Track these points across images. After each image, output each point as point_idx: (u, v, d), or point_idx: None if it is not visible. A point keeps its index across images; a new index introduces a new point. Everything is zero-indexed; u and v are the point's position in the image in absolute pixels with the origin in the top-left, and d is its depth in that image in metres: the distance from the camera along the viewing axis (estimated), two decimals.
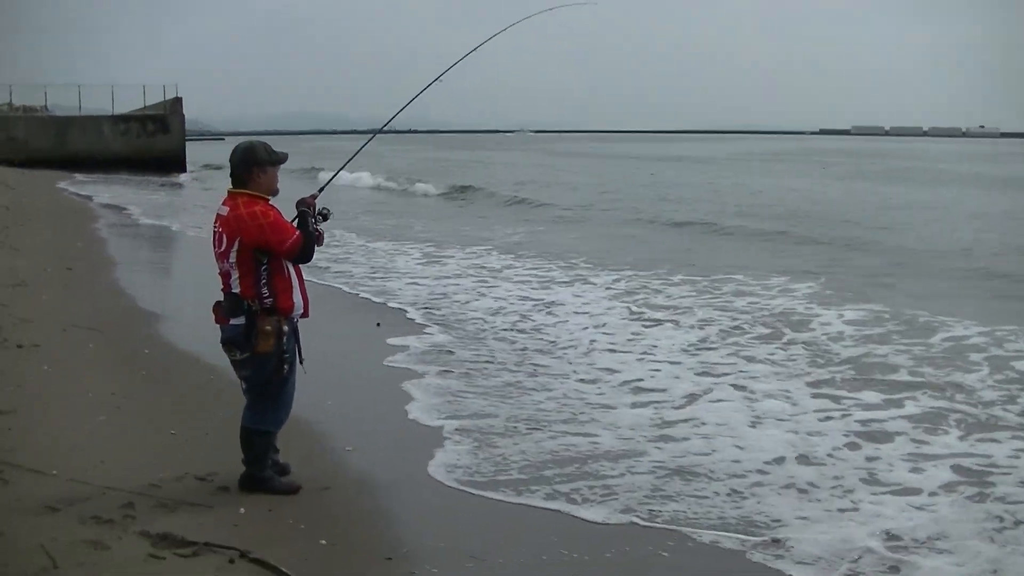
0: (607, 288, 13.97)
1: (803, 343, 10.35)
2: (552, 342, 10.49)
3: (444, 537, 5.43)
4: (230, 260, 5.55)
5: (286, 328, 5.61)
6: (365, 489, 6.14)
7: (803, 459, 6.76)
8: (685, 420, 7.69)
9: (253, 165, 5.63)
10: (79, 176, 44.37)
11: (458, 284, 14.44)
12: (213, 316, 5.66)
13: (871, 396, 8.33)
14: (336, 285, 14.16)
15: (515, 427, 7.42)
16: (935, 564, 5.13)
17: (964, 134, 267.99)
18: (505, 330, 11.12)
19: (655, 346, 10.23)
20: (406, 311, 12.28)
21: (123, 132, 53.87)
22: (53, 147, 50.91)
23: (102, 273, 15.21)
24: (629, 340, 10.53)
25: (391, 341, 10.33)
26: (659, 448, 6.98)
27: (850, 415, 7.80)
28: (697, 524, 5.64)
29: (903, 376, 8.97)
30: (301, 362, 5.84)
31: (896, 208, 29.25)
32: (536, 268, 16.14)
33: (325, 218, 5.96)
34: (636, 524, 5.64)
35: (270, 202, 5.67)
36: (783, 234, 21.07)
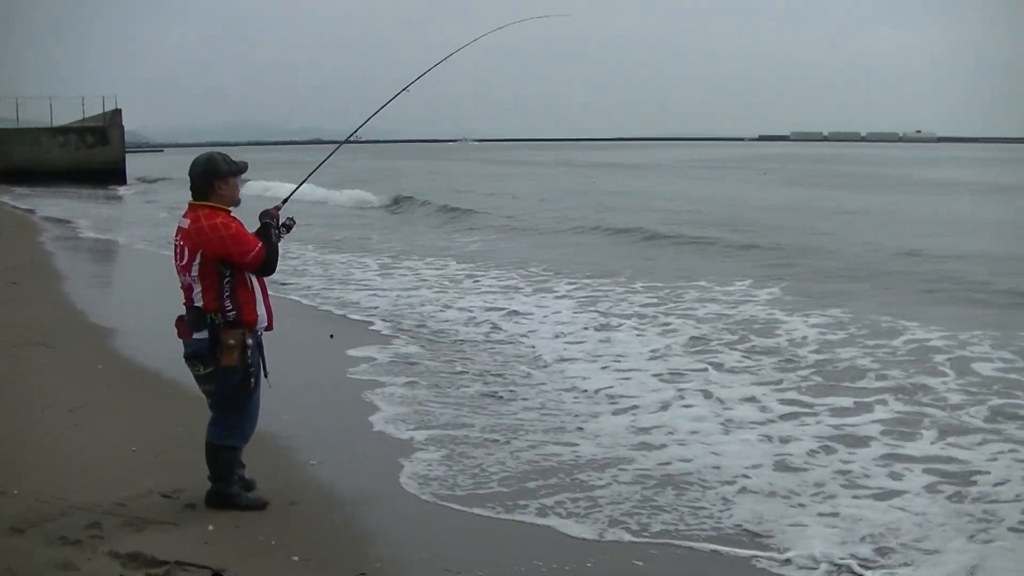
0: (568, 297, 13.99)
1: (768, 349, 10.42)
2: (519, 352, 10.45)
3: (418, 551, 5.37)
4: (192, 273, 5.48)
5: (250, 341, 5.55)
6: (333, 503, 6.07)
7: (780, 466, 6.78)
8: (658, 427, 7.69)
9: (214, 177, 5.56)
10: (19, 189, 43.66)
11: (419, 295, 14.36)
12: (176, 330, 5.59)
13: (841, 401, 8.38)
14: (294, 297, 14.00)
15: (489, 438, 7.36)
16: (924, 565, 5.18)
17: (901, 139, 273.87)
18: (471, 340, 11.06)
19: (623, 355, 10.23)
20: (370, 323, 12.16)
21: (62, 144, 53.11)
22: None
23: (50, 288, 14.94)
24: (597, 348, 10.54)
25: (353, 352, 10.23)
26: (637, 457, 6.96)
27: (821, 420, 7.85)
28: (689, 536, 5.60)
29: (871, 382, 9.04)
30: (266, 375, 5.77)
31: (840, 213, 29.63)
32: (497, 278, 16.10)
33: (289, 229, 5.93)
34: (621, 535, 5.60)
35: (231, 213, 5.60)
36: (733, 241, 21.12)
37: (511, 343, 10.94)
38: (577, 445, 7.24)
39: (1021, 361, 9.63)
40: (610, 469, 6.70)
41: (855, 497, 6.16)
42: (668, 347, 10.55)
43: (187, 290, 5.55)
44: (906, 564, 5.20)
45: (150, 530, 5.35)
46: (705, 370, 9.53)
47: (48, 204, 35.62)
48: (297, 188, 7.05)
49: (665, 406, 8.30)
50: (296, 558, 5.13)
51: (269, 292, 5.83)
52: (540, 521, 5.81)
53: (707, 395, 8.60)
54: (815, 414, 8.02)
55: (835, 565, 5.17)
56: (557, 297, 14.01)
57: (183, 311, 5.60)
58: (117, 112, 55.04)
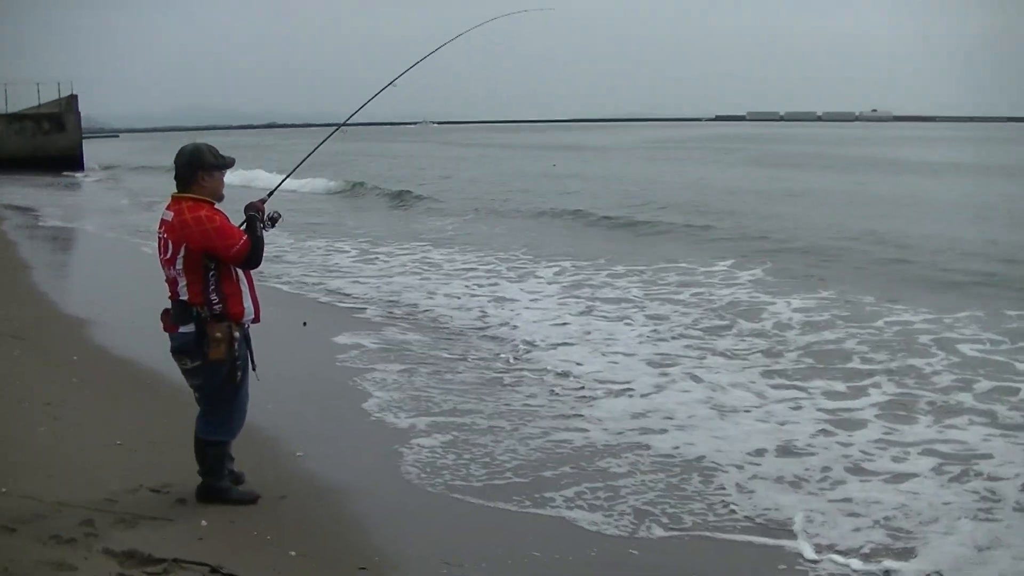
0: (550, 282, 14.02)
1: (756, 332, 10.54)
2: (511, 337, 10.47)
3: (419, 544, 5.35)
4: (176, 267, 5.40)
5: (237, 334, 5.48)
6: (326, 495, 6.02)
7: (784, 451, 6.86)
8: (654, 411, 7.79)
9: (199, 168, 5.48)
10: None
11: (403, 281, 14.32)
12: (161, 324, 5.51)
13: (833, 384, 8.50)
14: (277, 285, 13.83)
15: (496, 425, 7.39)
16: (939, 547, 5.30)
17: (857, 118, 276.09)
18: (462, 326, 11.07)
19: (613, 338, 10.31)
20: (358, 310, 12.12)
21: (18, 131, 52.15)
22: None
23: (17, 278, 14.64)
24: (585, 333, 10.60)
25: (340, 340, 10.17)
26: (644, 443, 7.01)
27: (816, 403, 7.96)
28: (720, 527, 5.63)
29: (859, 364, 9.18)
30: (253, 368, 5.71)
31: (801, 196, 29.82)
32: (477, 263, 16.12)
33: (274, 222, 5.85)
34: (654, 530, 5.61)
35: (215, 206, 5.53)
36: (701, 225, 21.11)
37: (504, 326, 10.99)
38: (587, 431, 7.28)
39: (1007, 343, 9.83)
40: (625, 455, 6.75)
41: (864, 481, 6.27)
42: (655, 331, 10.64)
43: (172, 283, 5.46)
44: (922, 545, 5.31)
45: (143, 527, 5.26)
46: (695, 354, 9.61)
47: (6, 192, 34.93)
48: (284, 180, 6.97)
49: (659, 389, 8.39)
50: (293, 553, 5.10)
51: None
52: (566, 514, 5.80)
53: (697, 379, 8.69)
54: (811, 398, 8.13)
55: (861, 554, 5.25)
56: (541, 282, 14.04)
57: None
58: (73, 98, 54.09)
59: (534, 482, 6.25)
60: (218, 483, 5.68)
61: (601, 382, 8.66)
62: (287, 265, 15.91)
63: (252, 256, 5.50)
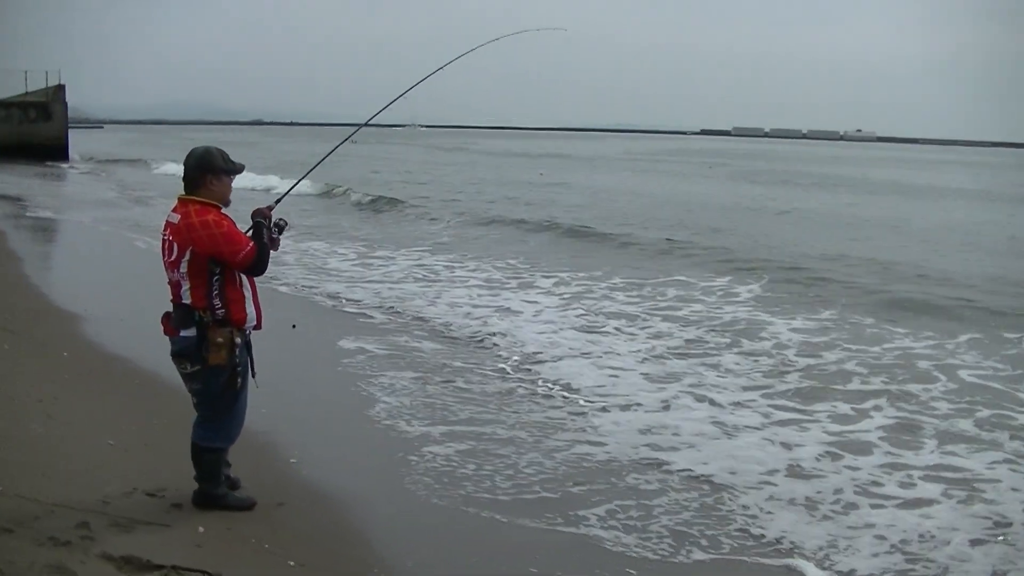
0: (551, 294, 14.06)
1: (758, 352, 10.61)
2: (515, 348, 10.50)
3: (421, 556, 5.33)
4: (181, 270, 5.34)
5: (239, 340, 5.44)
6: (326, 503, 5.98)
7: (794, 472, 6.93)
8: (663, 426, 7.85)
9: (208, 171, 5.42)
10: None
11: (404, 287, 14.33)
12: (162, 327, 5.46)
13: (837, 406, 8.58)
14: (279, 288, 13.72)
15: (517, 436, 7.41)
16: (959, 570, 5.43)
17: (842, 137, 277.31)
18: (467, 335, 11.09)
19: (614, 353, 10.37)
20: (363, 315, 12.12)
21: (4, 119, 51.73)
22: None
23: (6, 269, 14.42)
24: (587, 347, 10.63)
25: (344, 344, 10.15)
26: (658, 462, 7.06)
27: (822, 425, 8.04)
28: (757, 552, 5.67)
29: (860, 385, 9.28)
30: (253, 375, 5.66)
31: (787, 213, 29.98)
32: (476, 271, 16.14)
33: (281, 230, 5.79)
34: (693, 552, 5.65)
35: (222, 211, 5.48)
36: (689, 243, 21.07)
37: (506, 336, 11.01)
38: (604, 445, 7.32)
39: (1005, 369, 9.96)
40: (650, 472, 6.80)
41: (874, 506, 6.36)
42: (652, 348, 10.68)
43: (175, 287, 5.41)
44: (943, 572, 5.42)
45: (139, 531, 5.19)
46: (697, 372, 9.68)
47: None
48: (294, 186, 6.95)
49: (666, 406, 8.45)
50: (292, 563, 5.05)
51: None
52: (599, 532, 5.81)
53: (700, 398, 8.74)
54: (815, 420, 8.20)
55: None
56: (540, 293, 14.07)
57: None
58: (60, 88, 53.65)
59: (541, 499, 6.25)
60: (214, 489, 5.62)
61: (603, 395, 8.71)
62: (286, 268, 15.84)
63: (258, 263, 5.45)
